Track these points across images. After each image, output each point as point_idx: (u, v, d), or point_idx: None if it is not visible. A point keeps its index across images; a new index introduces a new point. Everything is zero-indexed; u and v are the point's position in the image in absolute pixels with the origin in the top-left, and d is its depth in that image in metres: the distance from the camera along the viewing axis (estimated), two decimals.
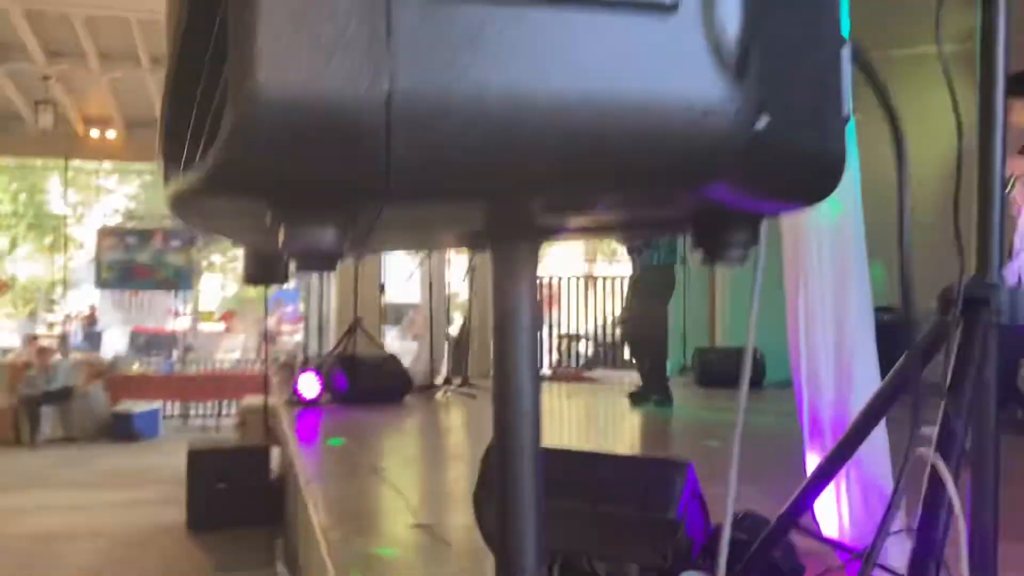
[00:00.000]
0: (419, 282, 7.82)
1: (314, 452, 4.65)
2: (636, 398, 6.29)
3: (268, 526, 6.06)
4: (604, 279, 11.29)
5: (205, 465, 6.31)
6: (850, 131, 0.73)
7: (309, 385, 6.26)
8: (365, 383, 6.37)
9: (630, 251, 6.38)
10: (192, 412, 12.15)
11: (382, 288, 8.64)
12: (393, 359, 6.81)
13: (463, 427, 5.80)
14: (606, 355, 10.93)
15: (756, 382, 7.98)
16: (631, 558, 2.17)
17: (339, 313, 8.38)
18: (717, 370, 8.04)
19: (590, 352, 11.17)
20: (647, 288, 6.19)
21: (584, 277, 12.19)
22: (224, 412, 11.77)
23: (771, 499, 1.97)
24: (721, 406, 6.61)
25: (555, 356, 10.89)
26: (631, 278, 6.55)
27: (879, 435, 2.26)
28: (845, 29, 0.79)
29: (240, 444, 7.10)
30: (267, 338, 8.06)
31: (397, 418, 6.05)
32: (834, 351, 2.27)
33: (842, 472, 2.26)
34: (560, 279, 10.69)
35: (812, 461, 2.31)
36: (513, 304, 0.84)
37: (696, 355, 8.32)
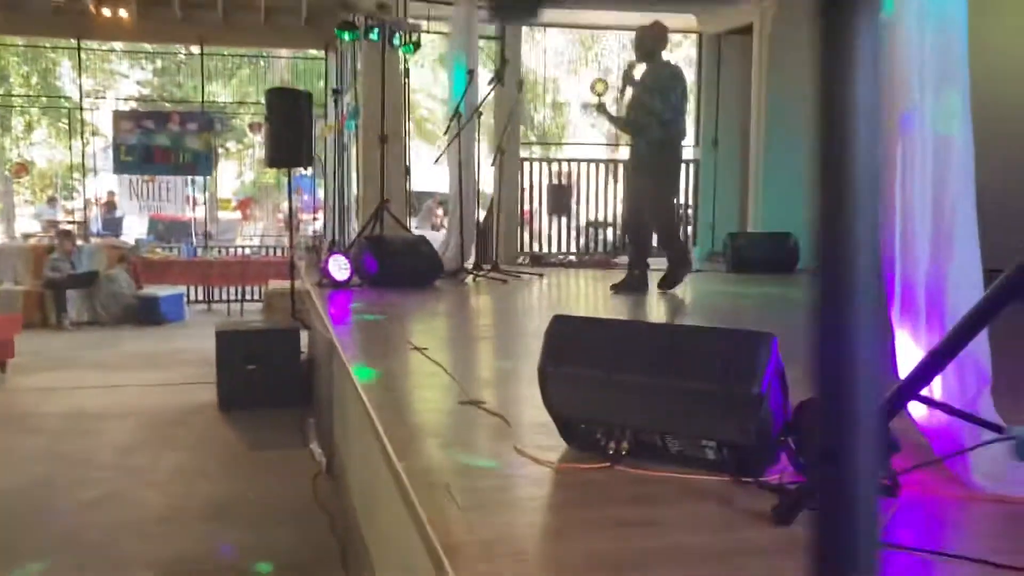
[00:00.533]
0: (446, 168, 7.61)
1: (350, 332, 4.56)
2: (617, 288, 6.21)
3: (299, 407, 6.08)
4: (623, 164, 11.04)
5: (234, 346, 6.30)
6: None
7: (339, 267, 6.15)
8: (395, 266, 6.25)
9: (627, 124, 6.20)
10: (216, 296, 12.15)
11: (408, 171, 8.43)
12: (424, 241, 6.68)
13: (497, 311, 5.71)
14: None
15: (791, 266, 7.85)
16: (710, 434, 2.06)
17: (364, 197, 8.21)
18: (749, 255, 7.91)
19: (615, 239, 11.01)
20: (646, 168, 6.01)
21: (606, 162, 11.88)
22: (248, 297, 11.76)
23: None
24: (756, 291, 6.48)
25: (581, 243, 10.74)
26: (629, 156, 6.38)
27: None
28: None
29: (268, 326, 7.05)
30: (293, 221, 7.90)
31: (430, 301, 5.96)
32: (931, 224, 2.10)
33: (932, 344, 2.13)
34: (582, 164, 10.43)
35: (901, 337, 2.18)
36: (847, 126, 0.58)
37: (728, 240, 8.15)
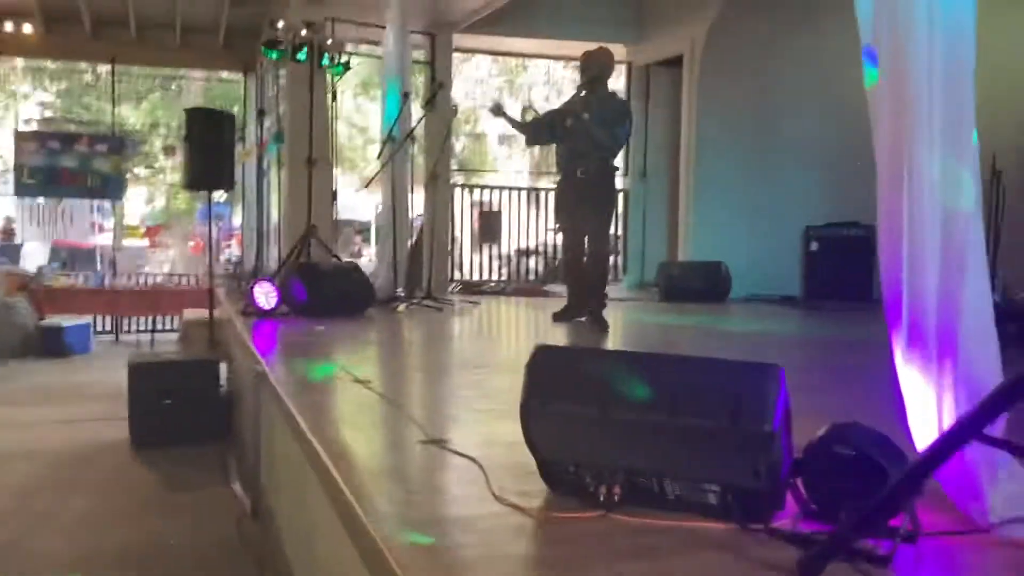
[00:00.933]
0: (365, 194, 7.36)
1: (281, 363, 4.25)
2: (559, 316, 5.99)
3: (219, 443, 5.70)
4: (550, 192, 10.95)
5: (148, 379, 5.89)
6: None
7: (266, 295, 5.82)
8: (326, 293, 5.96)
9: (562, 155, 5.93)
10: (125, 327, 11.52)
11: (335, 196, 8.14)
12: (356, 269, 6.40)
13: (438, 340, 5.46)
14: (558, 270, 10.67)
15: (722, 295, 7.84)
16: (715, 477, 1.88)
17: (288, 223, 7.87)
18: (681, 285, 7.87)
19: (541, 267, 10.89)
20: (588, 200, 5.77)
21: (528, 190, 11.80)
22: (160, 327, 11.18)
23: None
24: (692, 320, 6.39)
25: (505, 272, 10.58)
26: (559, 183, 6.05)
27: (987, 337, 2.00)
28: None
29: (185, 358, 6.63)
30: (212, 247, 7.51)
31: (364, 330, 5.68)
32: (941, 247, 1.97)
33: (944, 379, 2.00)
34: (504, 192, 10.30)
35: (908, 373, 2.04)
36: None
37: (660, 270, 8.10)
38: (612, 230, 6.21)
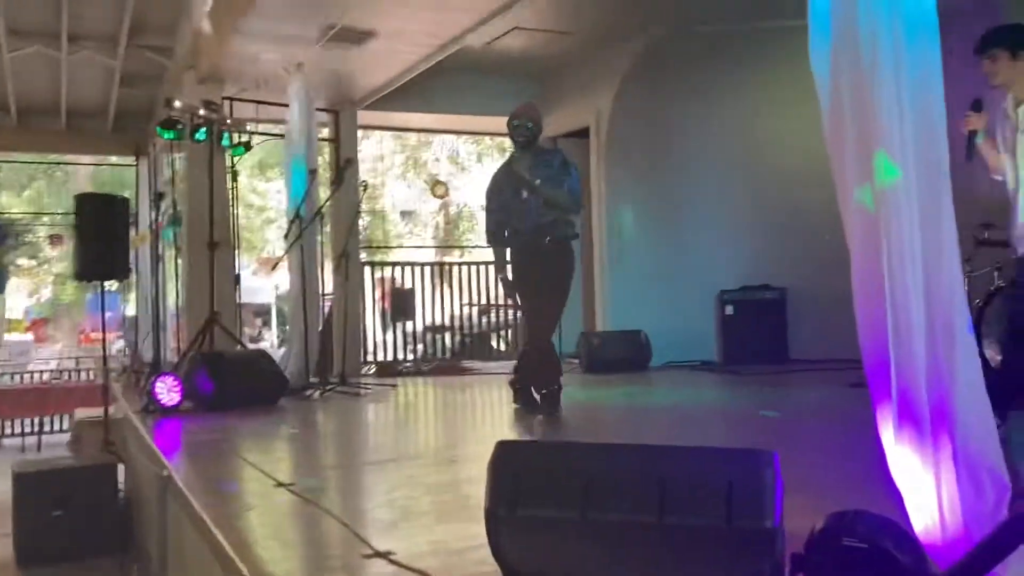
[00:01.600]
0: (271, 277, 7.02)
1: (188, 466, 3.87)
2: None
3: (117, 555, 5.20)
4: (459, 266, 10.78)
5: (36, 489, 5.39)
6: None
7: (168, 390, 5.39)
8: (234, 385, 5.57)
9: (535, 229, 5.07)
10: (7, 430, 10.65)
11: (237, 280, 7.77)
12: (265, 356, 6.03)
13: (362, 429, 5.12)
14: (473, 345, 10.44)
15: (644, 363, 7.73)
16: None
17: (188, 310, 7.44)
18: (604, 355, 7.73)
19: (456, 343, 10.65)
20: (554, 274, 5.09)
21: (435, 265, 11.62)
22: (48, 428, 10.38)
23: None
24: (622, 390, 6.23)
25: (420, 349, 10.29)
26: (517, 258, 5.17)
27: (982, 409, 1.87)
28: None
29: (78, 463, 6.09)
30: (106, 339, 7.01)
31: (278, 423, 5.30)
32: (926, 331, 1.85)
33: (941, 456, 1.86)
34: (410, 268, 10.04)
35: (901, 452, 1.89)
36: None
37: (582, 340, 7.96)
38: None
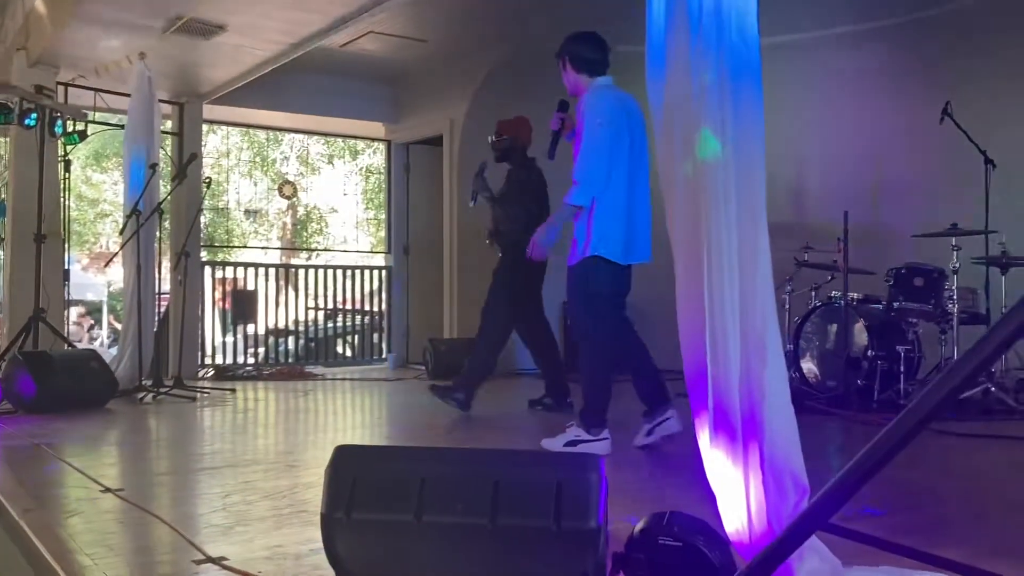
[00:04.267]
0: (104, 273, 6.70)
1: (5, 471, 3.65)
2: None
3: None
4: (305, 269, 10.59)
5: None
6: None
7: None
8: (59, 386, 5.28)
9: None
10: None
11: (66, 275, 7.36)
12: (95, 356, 5.73)
13: (197, 434, 4.96)
14: (318, 350, 10.27)
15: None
16: None
17: (11, 306, 6.98)
18: (451, 360, 7.80)
19: (300, 347, 10.44)
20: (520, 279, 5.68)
21: (280, 267, 11.38)
22: None
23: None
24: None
25: (261, 353, 10.02)
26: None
27: (788, 421, 2.05)
28: None
29: None
30: None
31: (106, 427, 5.05)
32: (740, 346, 2.01)
33: (750, 462, 2.02)
34: (256, 269, 9.77)
35: (715, 456, 2.04)
36: None
37: (429, 346, 8.01)
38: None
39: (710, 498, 2.11)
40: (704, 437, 2.06)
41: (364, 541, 1.79)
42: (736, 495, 2.01)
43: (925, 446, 4.27)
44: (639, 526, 1.84)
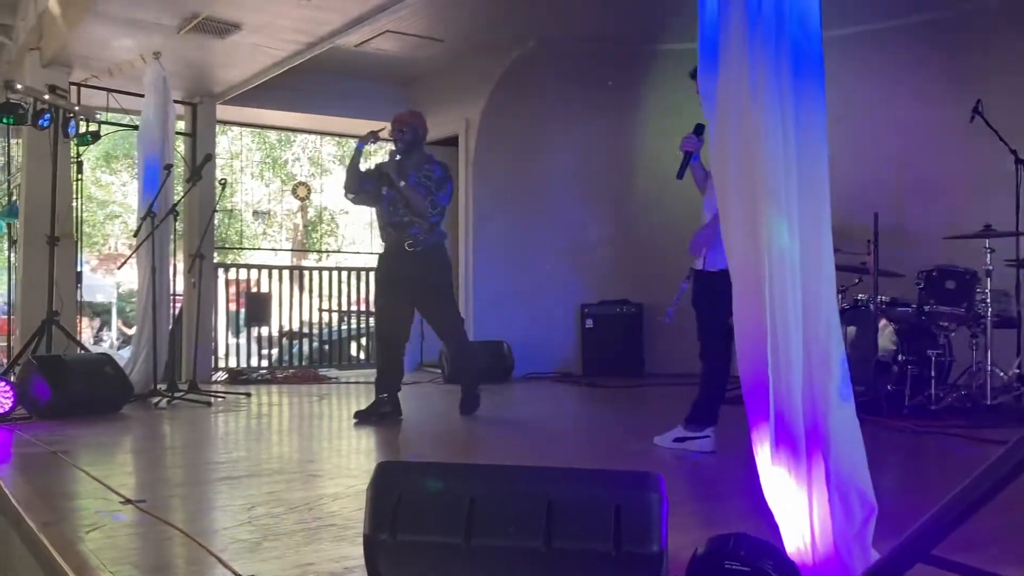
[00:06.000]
0: (114, 275, 6.61)
1: (21, 480, 3.56)
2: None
3: None
4: (317, 271, 10.50)
5: None
6: None
7: None
8: (74, 391, 5.20)
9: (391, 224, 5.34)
10: None
11: (79, 277, 7.28)
12: (109, 361, 5.63)
13: (211, 442, 4.86)
14: (331, 352, 10.18)
15: (506, 374, 7.76)
16: None
17: (24, 309, 6.91)
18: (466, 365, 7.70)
19: (313, 350, 10.34)
20: (427, 277, 5.33)
21: (292, 269, 11.30)
22: None
23: None
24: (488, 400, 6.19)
25: (275, 355, 9.93)
26: (381, 257, 5.44)
27: (853, 434, 1.94)
28: None
29: None
30: None
31: (123, 433, 4.96)
32: (804, 358, 1.90)
33: (815, 477, 1.91)
34: (269, 271, 9.67)
35: (777, 472, 1.93)
36: None
37: (445, 350, 7.88)
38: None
39: (765, 514, 2.01)
40: (764, 451, 1.96)
41: (410, 564, 1.68)
42: (799, 513, 1.90)
43: (966, 456, 4.15)
44: (701, 549, 1.73)
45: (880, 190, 6.92)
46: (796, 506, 1.90)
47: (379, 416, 5.20)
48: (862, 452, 1.90)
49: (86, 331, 16.27)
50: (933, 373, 5.36)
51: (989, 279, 5.34)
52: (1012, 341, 5.51)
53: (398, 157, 5.37)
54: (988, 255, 5.35)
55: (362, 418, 5.17)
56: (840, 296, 6.09)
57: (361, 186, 5.36)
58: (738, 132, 2.03)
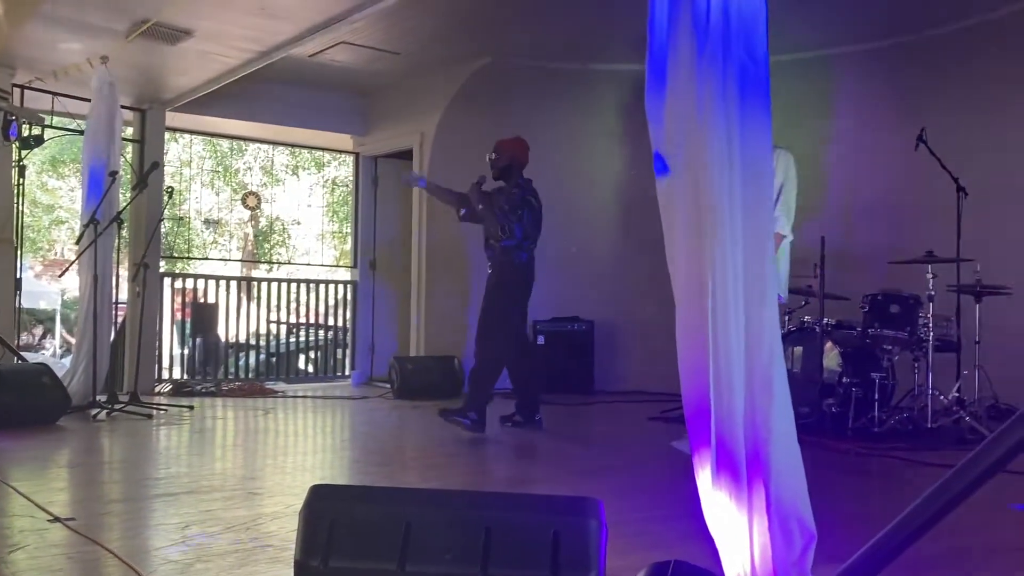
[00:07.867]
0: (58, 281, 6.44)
1: None
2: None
3: None
4: (267, 282, 10.32)
5: None
6: None
7: None
8: (6, 401, 5.03)
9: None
10: None
11: (18, 284, 7.08)
12: (46, 371, 5.47)
13: (150, 456, 4.74)
14: (279, 365, 10.01)
15: (455, 390, 7.70)
16: None
17: None
18: (418, 380, 7.65)
19: (260, 362, 10.16)
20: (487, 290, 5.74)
21: (242, 280, 11.12)
22: None
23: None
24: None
25: (220, 368, 9.74)
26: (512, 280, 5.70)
27: (794, 461, 1.94)
28: None
29: None
30: None
31: (57, 446, 4.81)
32: (745, 383, 1.90)
33: (755, 504, 1.90)
34: (216, 281, 9.47)
35: (717, 497, 1.92)
36: None
37: (396, 364, 7.83)
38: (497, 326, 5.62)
39: (707, 538, 2.00)
40: (705, 475, 1.95)
41: None
42: (739, 539, 1.89)
43: (908, 479, 4.20)
44: None
45: (827, 214, 7.03)
46: (736, 532, 1.89)
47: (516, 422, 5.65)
48: (803, 479, 1.90)
49: (26, 339, 15.86)
50: (876, 396, 5.44)
51: (932, 304, 5.44)
52: (952, 365, 5.62)
53: (486, 180, 5.72)
54: (931, 280, 5.45)
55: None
56: (787, 318, 6.16)
57: (468, 213, 5.86)
58: (684, 155, 2.02)
